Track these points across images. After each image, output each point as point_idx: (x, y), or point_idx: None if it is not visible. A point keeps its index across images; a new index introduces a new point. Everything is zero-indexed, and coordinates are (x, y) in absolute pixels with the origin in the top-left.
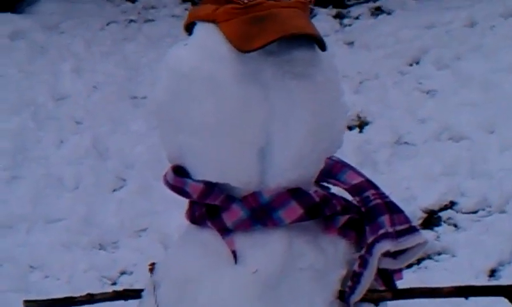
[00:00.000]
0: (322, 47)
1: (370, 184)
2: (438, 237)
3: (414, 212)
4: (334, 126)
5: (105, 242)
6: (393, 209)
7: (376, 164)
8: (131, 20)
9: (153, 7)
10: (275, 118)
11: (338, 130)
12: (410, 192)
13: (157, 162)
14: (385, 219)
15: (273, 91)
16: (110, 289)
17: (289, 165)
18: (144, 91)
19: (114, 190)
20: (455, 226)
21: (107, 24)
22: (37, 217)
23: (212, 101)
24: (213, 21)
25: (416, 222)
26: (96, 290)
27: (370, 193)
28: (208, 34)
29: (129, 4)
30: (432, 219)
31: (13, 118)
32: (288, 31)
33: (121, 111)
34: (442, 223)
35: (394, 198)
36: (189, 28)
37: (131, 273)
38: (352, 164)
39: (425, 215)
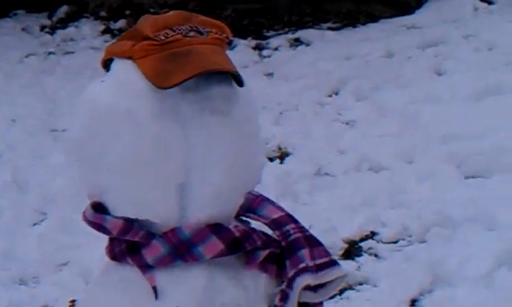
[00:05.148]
0: (240, 83)
1: (290, 218)
2: (359, 267)
3: (335, 243)
4: (253, 162)
5: (26, 276)
6: (313, 243)
7: (296, 195)
8: (50, 52)
9: (72, 40)
10: (194, 154)
11: (257, 166)
12: (331, 223)
13: (78, 195)
14: (305, 252)
15: (191, 127)
16: None
17: (208, 201)
18: (63, 124)
19: (34, 224)
20: (376, 255)
21: (26, 56)
22: None
23: (130, 138)
24: (130, 58)
25: (337, 253)
26: None
27: (290, 227)
28: (125, 71)
29: (48, 36)
30: (353, 249)
31: None
32: (206, 67)
33: (41, 144)
34: (363, 253)
35: (315, 229)
36: (106, 64)
37: None
38: (273, 195)
39: (346, 246)
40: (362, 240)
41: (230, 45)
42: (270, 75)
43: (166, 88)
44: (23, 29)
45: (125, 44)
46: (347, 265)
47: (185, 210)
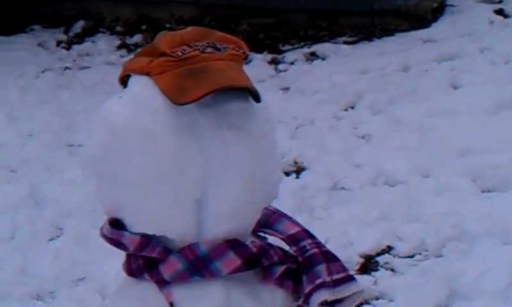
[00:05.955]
0: (257, 99)
1: (306, 233)
2: (375, 282)
3: (351, 257)
4: (269, 177)
5: (42, 292)
6: (329, 258)
7: (312, 210)
8: (66, 68)
9: (88, 55)
10: (211, 169)
11: (273, 181)
12: (347, 237)
13: (94, 210)
14: (322, 268)
15: (209, 143)
16: None
17: (225, 217)
18: (80, 139)
19: (50, 240)
20: (392, 270)
21: (42, 72)
22: None
23: (147, 154)
24: (147, 74)
25: (353, 267)
26: None
27: (306, 243)
28: (142, 87)
29: (64, 51)
30: (369, 264)
31: None
32: (222, 83)
33: (57, 159)
34: (379, 268)
35: (331, 243)
36: (124, 80)
37: None
38: (289, 210)
39: (362, 260)
40: (378, 254)
41: (246, 59)
42: (286, 89)
43: (183, 104)
44: (39, 44)
45: (143, 60)
46: (363, 280)
47: (202, 226)
